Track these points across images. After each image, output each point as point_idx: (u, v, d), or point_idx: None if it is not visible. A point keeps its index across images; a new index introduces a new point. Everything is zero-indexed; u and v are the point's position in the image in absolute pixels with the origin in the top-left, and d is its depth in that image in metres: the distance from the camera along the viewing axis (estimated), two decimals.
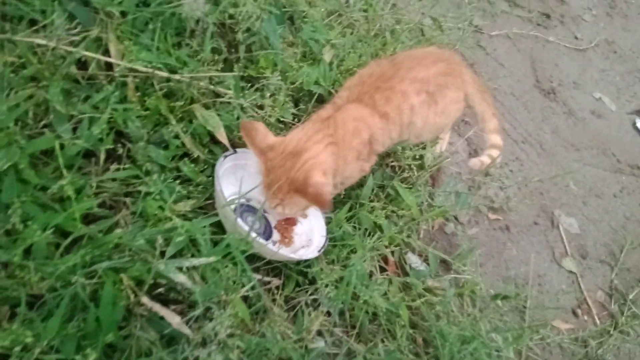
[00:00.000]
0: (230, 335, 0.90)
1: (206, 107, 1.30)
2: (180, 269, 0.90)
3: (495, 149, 1.66)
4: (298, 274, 1.26)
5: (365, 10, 1.95)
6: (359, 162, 1.32)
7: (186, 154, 1.28)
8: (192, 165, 1.25)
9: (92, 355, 0.74)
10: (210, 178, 1.27)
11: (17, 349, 0.73)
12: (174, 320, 0.87)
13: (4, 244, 0.88)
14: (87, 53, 1.17)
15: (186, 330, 0.88)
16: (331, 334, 1.21)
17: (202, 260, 0.91)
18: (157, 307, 0.87)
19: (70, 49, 1.16)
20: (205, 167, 1.28)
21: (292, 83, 1.46)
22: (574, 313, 1.64)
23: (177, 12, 1.36)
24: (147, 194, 1.13)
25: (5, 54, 1.09)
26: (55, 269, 0.81)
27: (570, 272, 1.74)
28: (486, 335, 1.26)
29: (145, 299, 0.87)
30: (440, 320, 1.28)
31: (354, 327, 1.26)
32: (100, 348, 0.79)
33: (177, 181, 1.19)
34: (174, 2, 1.33)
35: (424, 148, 1.55)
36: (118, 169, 1.17)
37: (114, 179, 1.16)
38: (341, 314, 1.25)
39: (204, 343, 0.89)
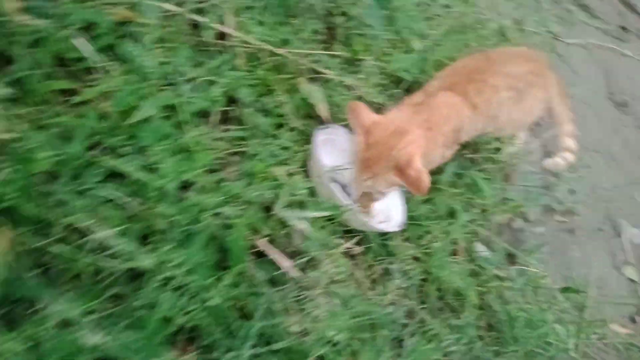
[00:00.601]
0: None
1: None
2: None
3: (569, 152, 1.70)
4: (377, 245, 1.34)
5: (447, 6, 2.01)
6: (443, 148, 1.39)
7: (281, 124, 1.38)
8: (290, 134, 1.36)
9: (227, 279, 0.85)
10: (303, 148, 1.36)
11: (168, 265, 0.84)
12: (285, 263, 0.97)
13: (141, 183, 1.00)
14: (215, 25, 1.28)
15: (296, 273, 0.97)
16: (403, 305, 1.29)
17: (317, 214, 1.01)
18: (272, 250, 0.97)
19: (197, 17, 1.28)
20: (300, 137, 1.38)
21: (384, 68, 1.54)
22: (633, 320, 1.67)
23: None
24: (253, 155, 1.24)
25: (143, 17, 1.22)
26: (194, 206, 0.92)
27: (631, 280, 1.76)
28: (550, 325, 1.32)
29: (261, 242, 0.97)
30: (508, 305, 1.34)
31: (422, 302, 1.34)
32: (233, 274, 0.90)
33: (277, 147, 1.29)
34: None
35: (501, 143, 1.60)
36: (226, 130, 1.28)
37: (221, 138, 1.27)
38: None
39: (306, 288, 0.99)
